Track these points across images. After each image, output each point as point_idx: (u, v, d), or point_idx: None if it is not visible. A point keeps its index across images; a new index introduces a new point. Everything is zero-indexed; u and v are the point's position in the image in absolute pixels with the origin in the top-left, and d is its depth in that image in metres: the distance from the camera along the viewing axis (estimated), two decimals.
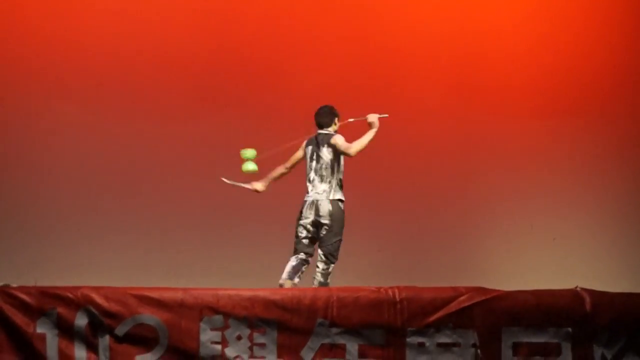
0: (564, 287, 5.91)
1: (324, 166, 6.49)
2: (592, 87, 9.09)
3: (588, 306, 5.73)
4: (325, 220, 6.41)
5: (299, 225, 6.50)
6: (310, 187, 6.53)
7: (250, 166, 6.38)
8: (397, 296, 5.64)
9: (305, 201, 6.51)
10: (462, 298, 5.67)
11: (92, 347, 5.42)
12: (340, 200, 6.48)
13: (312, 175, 6.53)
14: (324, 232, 6.42)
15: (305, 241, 6.49)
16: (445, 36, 9.09)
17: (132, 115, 8.66)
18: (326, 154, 6.50)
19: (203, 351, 5.45)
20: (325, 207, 6.41)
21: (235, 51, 8.88)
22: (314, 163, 6.53)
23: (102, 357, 5.41)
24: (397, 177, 8.92)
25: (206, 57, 8.83)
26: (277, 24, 8.97)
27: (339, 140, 6.49)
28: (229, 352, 5.46)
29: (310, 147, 6.61)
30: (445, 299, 5.67)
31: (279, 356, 5.52)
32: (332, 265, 6.42)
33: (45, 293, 5.48)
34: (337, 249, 6.42)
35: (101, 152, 8.56)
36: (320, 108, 6.69)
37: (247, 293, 5.61)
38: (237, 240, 8.15)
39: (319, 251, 6.46)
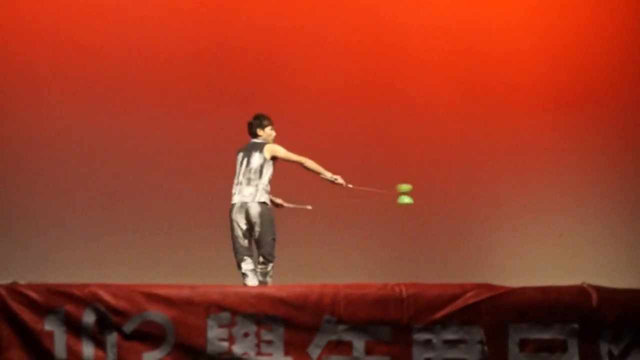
0: (570, 283, 5.90)
1: (252, 170, 6.64)
2: (599, 82, 9.07)
3: (595, 302, 5.71)
4: (256, 222, 6.54)
5: (233, 228, 6.63)
6: (236, 190, 6.67)
7: (406, 199, 6.85)
8: (403, 293, 5.64)
9: (234, 205, 6.64)
10: (468, 295, 5.67)
11: (99, 344, 5.43)
12: (265, 203, 6.60)
13: (240, 178, 6.68)
14: (258, 234, 6.54)
15: (245, 243, 6.62)
16: (451, 32, 9.08)
17: (140, 113, 8.68)
18: (257, 159, 6.66)
19: (210, 348, 5.46)
20: (255, 210, 6.55)
21: (238, 49, 8.89)
22: (243, 168, 6.69)
23: (109, 354, 5.42)
24: (402, 173, 8.89)
25: (210, 55, 8.84)
26: (281, 21, 8.98)
27: (278, 148, 6.73)
28: (236, 349, 5.47)
29: (241, 154, 6.79)
30: (451, 296, 5.66)
31: (285, 353, 5.52)
32: (271, 264, 6.53)
33: (53, 290, 5.49)
34: (273, 248, 6.55)
35: (109, 150, 8.59)
36: (252, 119, 6.90)
37: (254, 290, 5.67)
38: None
39: (258, 253, 6.60)
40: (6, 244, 8.23)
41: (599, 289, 5.79)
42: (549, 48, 9.13)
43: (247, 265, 6.56)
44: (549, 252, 8.59)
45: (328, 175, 6.77)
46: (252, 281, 6.50)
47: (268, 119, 6.88)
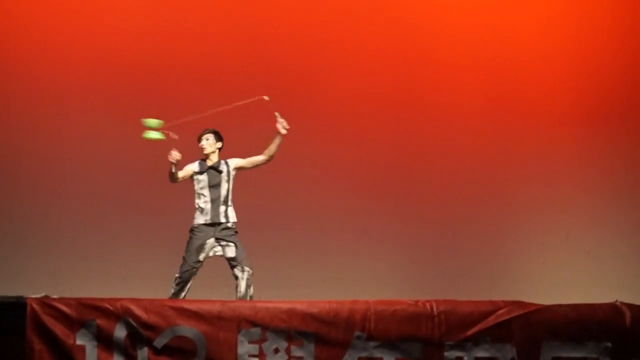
0: (601, 300, 5.85)
1: None
2: (629, 94, 8.99)
3: (628, 320, 5.67)
4: None
5: None
6: None
7: (153, 134, 6.46)
8: (435, 309, 5.61)
9: None
10: (500, 312, 5.64)
11: (131, 359, 5.45)
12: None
13: None
14: None
15: None
16: (477, 45, 9.04)
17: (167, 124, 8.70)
18: None
19: None
20: None
21: (262, 59, 8.88)
22: None
23: None
24: (430, 187, 8.89)
25: (233, 65, 8.83)
26: (312, 34, 8.97)
27: None
28: None
29: None
30: (483, 313, 5.63)
31: None
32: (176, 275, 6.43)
33: (85, 305, 5.52)
34: (181, 266, 6.45)
35: (140, 161, 8.60)
36: None
37: (285, 305, 5.62)
38: (274, 251, 8.16)
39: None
40: (37, 257, 8.26)
41: (632, 307, 5.74)
42: (578, 59, 9.07)
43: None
44: (579, 269, 8.52)
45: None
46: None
47: (202, 134, 6.73)
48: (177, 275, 6.39)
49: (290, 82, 8.81)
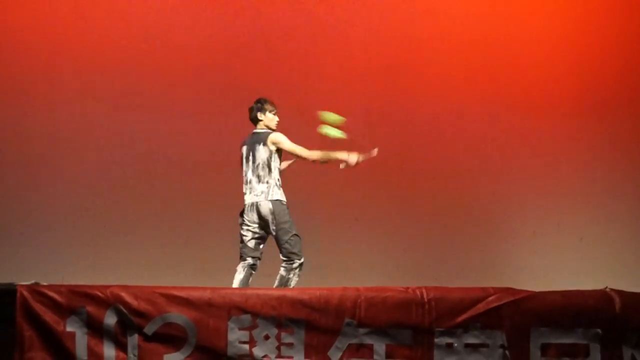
0: (592, 287, 5.86)
1: (260, 166, 6.33)
2: (620, 86, 9.01)
3: (617, 307, 5.67)
4: (270, 221, 6.29)
5: (242, 228, 6.42)
6: (247, 189, 6.39)
7: (332, 131, 6.29)
8: (425, 296, 5.62)
9: (245, 204, 6.40)
10: (490, 298, 5.65)
11: (121, 346, 5.46)
12: (279, 200, 6.30)
13: (249, 176, 6.39)
14: (275, 233, 6.30)
15: (251, 244, 6.42)
16: (473, 35, 9.05)
17: (158, 112, 8.70)
18: (262, 153, 6.34)
19: (231, 350, 5.46)
20: (266, 208, 6.29)
21: (259, 48, 8.88)
22: (250, 164, 6.38)
23: (130, 356, 5.44)
24: (422, 176, 8.90)
25: (231, 54, 8.84)
26: (303, 20, 8.96)
27: (281, 139, 6.34)
28: (257, 351, 5.47)
29: (245, 148, 6.47)
30: (473, 299, 5.64)
31: (306, 356, 5.51)
32: (297, 261, 6.25)
33: (75, 292, 5.52)
34: (296, 245, 6.25)
35: (130, 149, 8.62)
36: (253, 103, 6.53)
37: (276, 292, 5.64)
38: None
39: (280, 254, 6.32)
40: (28, 244, 8.26)
41: (622, 294, 5.76)
42: (571, 52, 9.08)
43: (243, 262, 6.39)
44: (569, 257, 8.55)
45: (343, 156, 6.27)
46: (237, 276, 6.35)
47: (270, 103, 6.44)
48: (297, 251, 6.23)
49: (282, 71, 8.81)
